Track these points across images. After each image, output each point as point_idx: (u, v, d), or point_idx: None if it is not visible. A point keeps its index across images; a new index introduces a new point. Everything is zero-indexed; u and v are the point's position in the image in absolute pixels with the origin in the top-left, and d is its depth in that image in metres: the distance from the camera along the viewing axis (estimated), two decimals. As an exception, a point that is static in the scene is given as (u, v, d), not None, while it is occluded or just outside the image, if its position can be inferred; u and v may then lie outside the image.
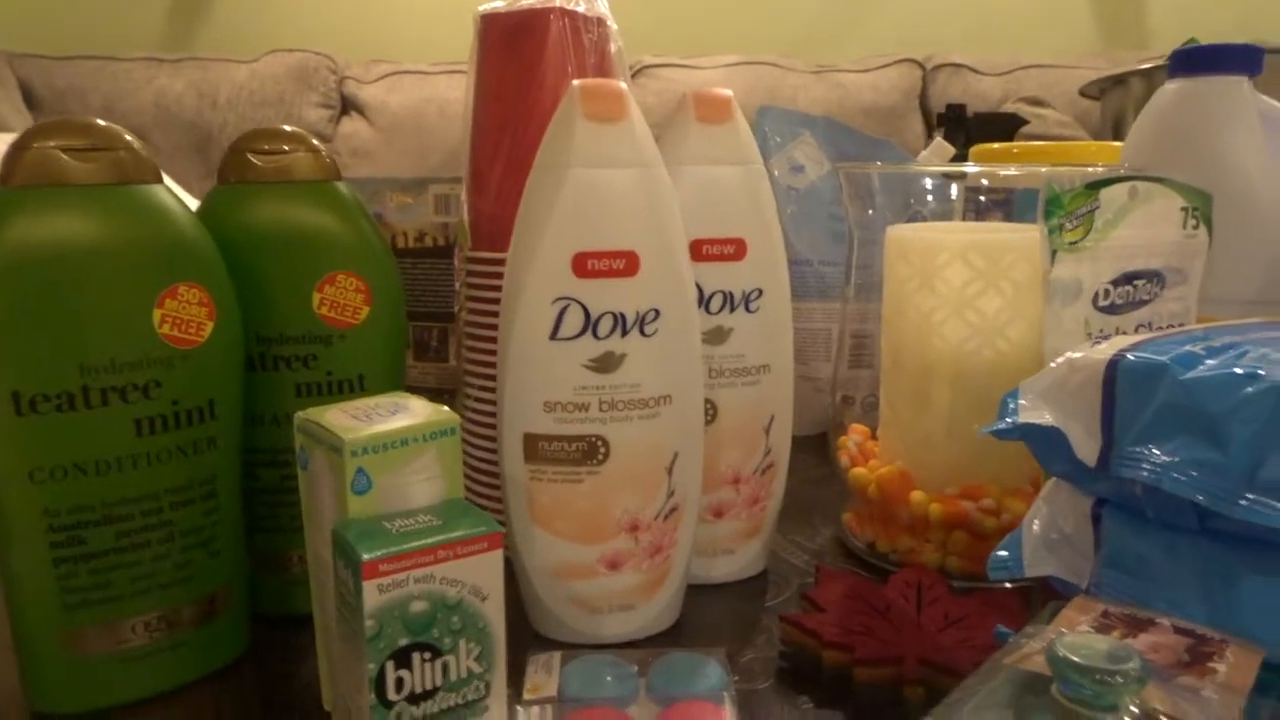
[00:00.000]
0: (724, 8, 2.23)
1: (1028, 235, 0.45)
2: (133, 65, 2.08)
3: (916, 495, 0.47)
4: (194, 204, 0.43)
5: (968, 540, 0.46)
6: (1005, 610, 0.40)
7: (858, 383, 0.56)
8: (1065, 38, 2.18)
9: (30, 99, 2.04)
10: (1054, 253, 0.42)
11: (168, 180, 0.40)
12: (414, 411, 0.33)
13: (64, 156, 0.34)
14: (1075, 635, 0.25)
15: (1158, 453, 0.31)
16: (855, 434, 0.54)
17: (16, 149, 0.34)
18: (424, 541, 0.30)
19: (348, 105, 2.13)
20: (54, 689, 0.36)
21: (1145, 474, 0.31)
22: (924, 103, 2.09)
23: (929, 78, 2.10)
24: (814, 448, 0.69)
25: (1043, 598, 0.37)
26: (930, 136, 1.94)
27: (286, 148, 0.42)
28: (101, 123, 0.36)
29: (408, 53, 2.15)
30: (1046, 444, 0.35)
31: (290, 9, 2.24)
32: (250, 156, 0.41)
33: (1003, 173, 0.51)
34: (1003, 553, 0.37)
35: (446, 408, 0.34)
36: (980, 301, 0.46)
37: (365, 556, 0.29)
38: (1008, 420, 0.36)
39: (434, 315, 0.77)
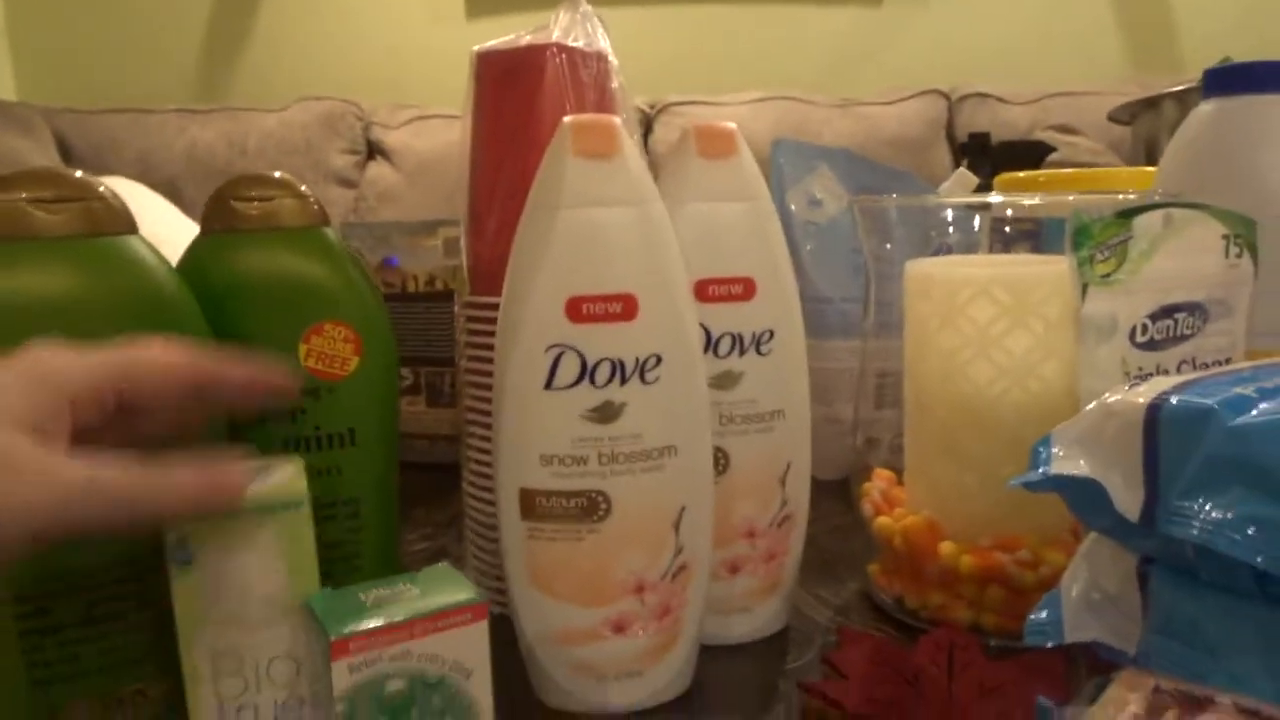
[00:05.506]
0: (746, 44, 2.23)
1: (1058, 268, 0.42)
2: (166, 117, 2.12)
3: (946, 547, 0.44)
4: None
5: (1003, 595, 0.43)
6: (1046, 675, 0.37)
7: (883, 423, 0.53)
8: (1093, 64, 2.14)
9: (66, 153, 2.08)
10: (1085, 286, 0.39)
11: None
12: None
13: (29, 209, 0.33)
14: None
15: (1209, 508, 0.28)
16: (879, 480, 0.51)
17: (-18, 202, 0.33)
18: (399, 616, 0.28)
19: (374, 150, 2.15)
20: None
21: (1195, 533, 0.28)
22: (950, 133, 2.07)
23: (955, 108, 2.08)
24: (840, 493, 0.65)
25: (1087, 660, 0.34)
26: (957, 167, 1.92)
27: (272, 194, 0.40)
28: (76, 173, 0.35)
29: (432, 97, 2.17)
30: (1084, 497, 0.32)
31: (318, 57, 2.28)
32: (234, 204, 0.40)
33: (1026, 202, 0.49)
34: (1041, 614, 0.34)
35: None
36: (1008, 340, 0.43)
37: (333, 635, 0.26)
38: (1040, 471, 0.33)
39: (446, 360, 0.75)
